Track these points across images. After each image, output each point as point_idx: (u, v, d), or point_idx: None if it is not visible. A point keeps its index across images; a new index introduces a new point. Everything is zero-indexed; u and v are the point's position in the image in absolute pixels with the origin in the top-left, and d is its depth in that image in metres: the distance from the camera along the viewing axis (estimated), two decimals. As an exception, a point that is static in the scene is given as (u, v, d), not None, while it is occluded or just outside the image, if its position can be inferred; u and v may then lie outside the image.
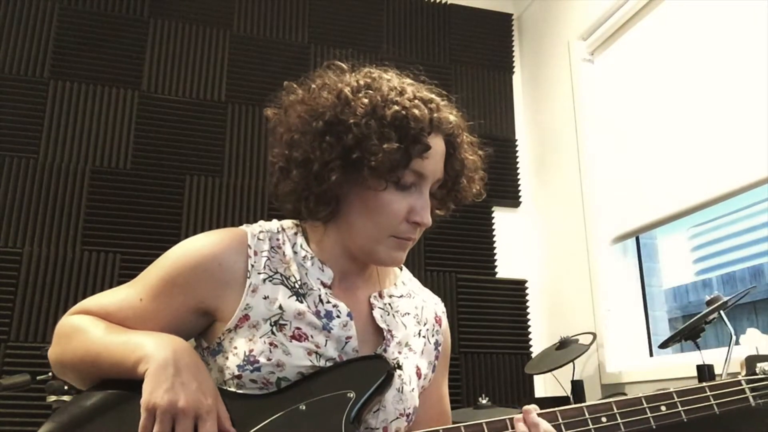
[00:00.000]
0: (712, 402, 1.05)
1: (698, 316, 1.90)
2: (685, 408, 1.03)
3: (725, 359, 1.87)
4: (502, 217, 3.32)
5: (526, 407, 1.00)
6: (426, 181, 1.03)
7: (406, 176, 1.01)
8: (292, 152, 1.04)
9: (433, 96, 1.07)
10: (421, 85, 1.08)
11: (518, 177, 3.39)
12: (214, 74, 3.03)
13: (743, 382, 1.08)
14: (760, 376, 1.09)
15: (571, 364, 2.42)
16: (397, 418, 1.04)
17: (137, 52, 2.95)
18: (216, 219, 2.86)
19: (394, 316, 1.10)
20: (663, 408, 1.03)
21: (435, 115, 1.03)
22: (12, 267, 2.56)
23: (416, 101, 1.02)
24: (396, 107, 1.00)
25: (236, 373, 0.98)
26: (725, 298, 1.88)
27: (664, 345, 2.04)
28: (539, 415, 0.99)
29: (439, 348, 1.18)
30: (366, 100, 1.01)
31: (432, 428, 1.01)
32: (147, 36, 2.97)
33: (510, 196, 3.36)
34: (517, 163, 3.41)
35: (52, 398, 1.91)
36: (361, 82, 1.05)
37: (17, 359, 2.44)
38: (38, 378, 1.97)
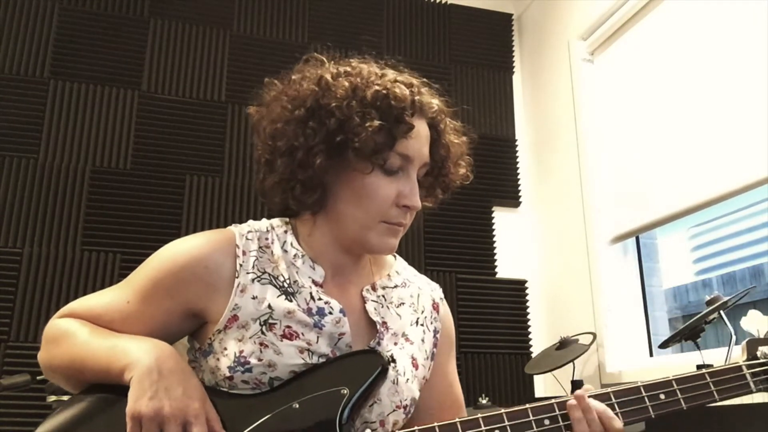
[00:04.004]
0: (713, 389, 1.00)
1: (698, 316, 1.90)
2: (685, 396, 1.00)
3: (725, 359, 1.86)
4: (502, 217, 3.32)
5: (577, 393, 0.97)
6: (412, 164, 1.03)
7: (392, 159, 1.00)
8: (276, 142, 1.04)
9: (413, 80, 1.07)
10: (402, 73, 1.09)
11: (518, 177, 3.39)
12: (214, 74, 3.03)
13: (744, 368, 1.03)
14: (761, 361, 1.04)
15: (571, 364, 2.42)
16: (394, 410, 1.02)
17: (137, 52, 2.94)
18: (216, 219, 2.86)
19: (388, 308, 1.09)
20: (662, 396, 1.00)
21: (417, 97, 1.03)
22: (12, 267, 2.56)
23: (397, 83, 1.03)
24: (377, 87, 1.01)
25: (227, 374, 0.97)
26: (725, 298, 1.88)
27: (664, 345, 2.04)
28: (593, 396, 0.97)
29: (438, 335, 1.16)
30: (346, 83, 1.01)
31: (451, 419, 0.99)
32: (147, 36, 2.97)
33: (510, 196, 3.36)
34: (517, 163, 3.41)
35: (52, 398, 1.91)
36: (341, 69, 1.06)
37: (17, 359, 2.43)
38: (38, 378, 1.95)
